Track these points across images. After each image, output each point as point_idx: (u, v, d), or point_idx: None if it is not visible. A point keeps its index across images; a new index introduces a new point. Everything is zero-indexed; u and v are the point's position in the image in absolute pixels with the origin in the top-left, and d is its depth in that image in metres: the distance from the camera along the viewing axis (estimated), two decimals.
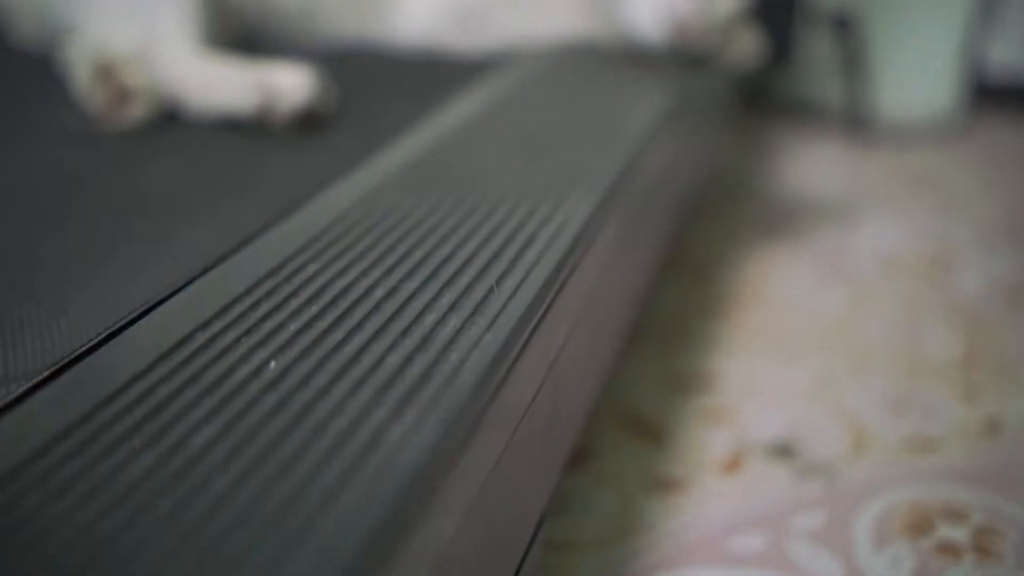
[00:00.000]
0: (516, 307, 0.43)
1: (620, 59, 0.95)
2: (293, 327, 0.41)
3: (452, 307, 0.43)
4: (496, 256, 0.47)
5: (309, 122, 0.73)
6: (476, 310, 0.43)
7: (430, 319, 0.42)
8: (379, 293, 0.44)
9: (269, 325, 0.41)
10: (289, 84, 0.72)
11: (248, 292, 0.44)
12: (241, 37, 0.99)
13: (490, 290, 0.44)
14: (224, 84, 0.74)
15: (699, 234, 1.18)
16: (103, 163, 0.67)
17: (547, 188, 0.57)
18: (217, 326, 0.41)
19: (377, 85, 0.89)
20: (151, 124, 0.74)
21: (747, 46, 1.02)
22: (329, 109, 0.76)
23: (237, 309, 0.42)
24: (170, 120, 0.76)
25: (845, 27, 1.63)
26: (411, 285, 0.45)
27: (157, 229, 0.54)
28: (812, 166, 1.48)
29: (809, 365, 0.86)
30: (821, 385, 0.83)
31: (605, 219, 0.56)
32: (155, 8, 0.84)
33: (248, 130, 0.72)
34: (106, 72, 0.75)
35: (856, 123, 1.66)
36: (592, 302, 0.55)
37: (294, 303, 0.43)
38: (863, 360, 0.87)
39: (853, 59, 1.64)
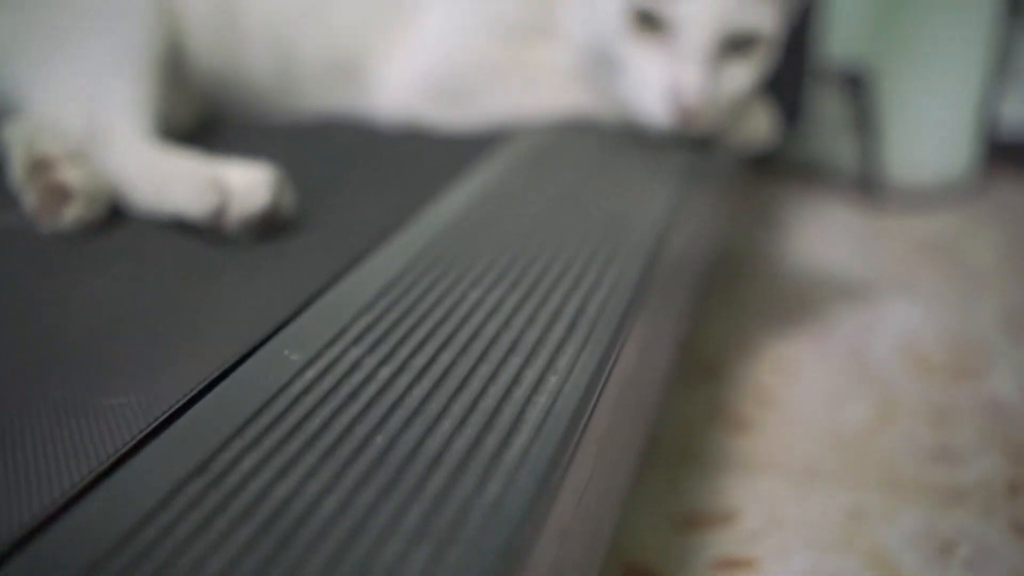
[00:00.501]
0: (495, 534, 0.34)
1: (621, 139, 0.88)
2: None
3: (419, 535, 0.34)
4: (473, 448, 0.39)
5: (268, 225, 0.65)
6: (448, 536, 0.34)
7: (390, 552, 0.33)
8: (327, 509, 0.35)
9: None
10: (246, 184, 0.64)
11: (151, 517, 0.35)
12: (207, 113, 0.92)
13: (463, 514, 0.35)
14: (175, 183, 0.66)
15: (705, 322, 1.10)
16: (25, 278, 0.59)
17: (541, 332, 0.49)
18: None
19: (352, 168, 0.82)
20: (92, 224, 0.66)
21: (760, 126, 0.95)
22: (291, 211, 0.68)
23: (134, 547, 0.33)
24: (114, 219, 0.68)
25: (856, 85, 1.57)
26: (367, 496, 0.36)
27: (67, 392, 0.45)
28: (823, 236, 1.41)
29: (836, 494, 0.77)
30: (851, 520, 0.74)
31: (611, 374, 0.47)
32: (105, 90, 0.76)
33: (200, 234, 0.64)
34: (41, 167, 0.67)
35: (868, 185, 1.59)
36: (597, 470, 0.47)
37: (215, 527, 0.34)
38: (896, 487, 0.79)
39: (865, 118, 1.58)
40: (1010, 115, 1.67)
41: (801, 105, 1.46)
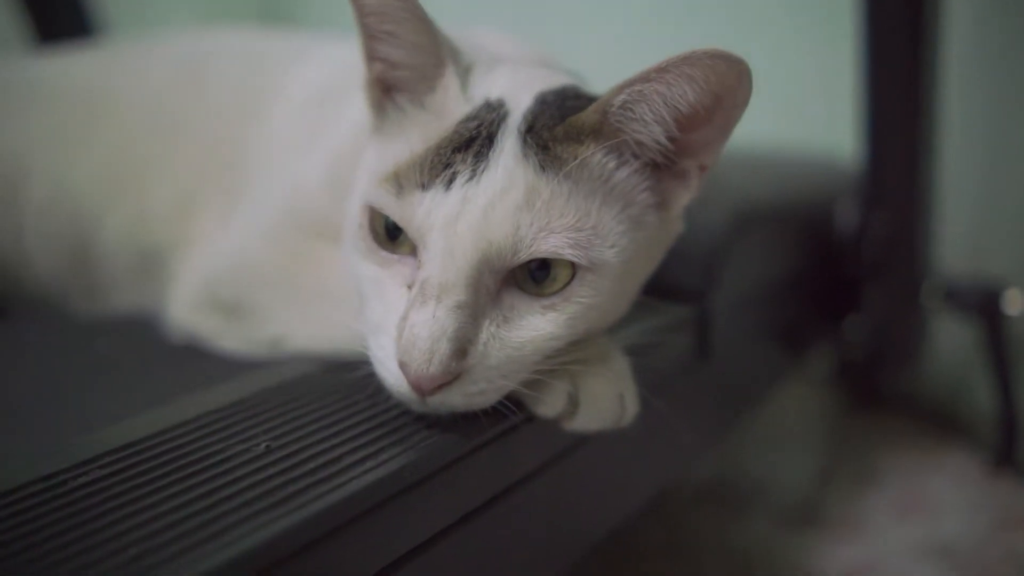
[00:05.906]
0: None
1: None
2: None
3: None
4: None
5: None
6: None
7: None
8: None
9: None
10: None
11: None
12: None
13: None
14: None
15: None
16: None
17: None
18: None
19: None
20: None
21: (601, 403, 0.64)
22: None
23: None
24: None
25: (991, 306, 1.27)
26: None
27: None
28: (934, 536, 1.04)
29: None
30: None
31: None
32: None
33: None
34: None
35: (1006, 441, 1.27)
36: None
37: None
38: None
39: (1000, 350, 1.27)
40: None
41: (920, 340, 1.15)
